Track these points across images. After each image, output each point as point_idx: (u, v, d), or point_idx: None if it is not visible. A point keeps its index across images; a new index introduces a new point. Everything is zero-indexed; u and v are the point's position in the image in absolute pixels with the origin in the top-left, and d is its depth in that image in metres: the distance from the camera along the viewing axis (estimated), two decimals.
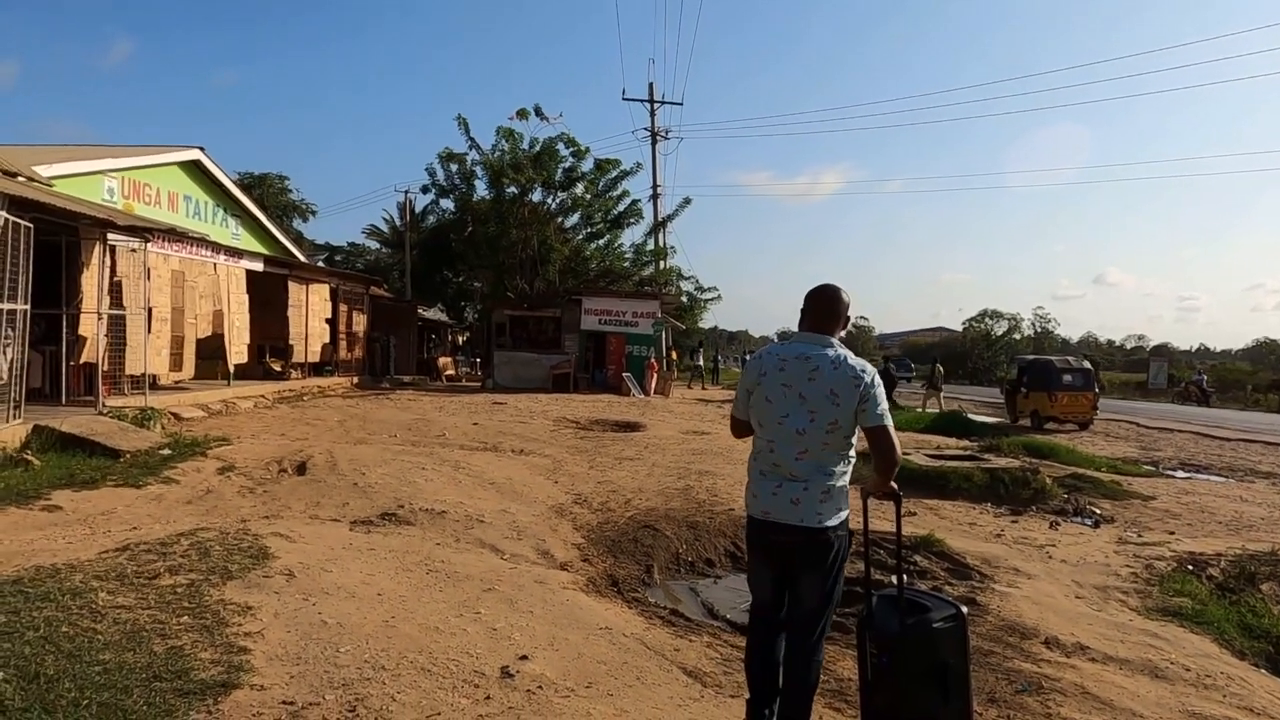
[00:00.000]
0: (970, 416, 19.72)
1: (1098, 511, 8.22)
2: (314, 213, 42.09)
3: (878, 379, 2.87)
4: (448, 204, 26.76)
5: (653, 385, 21.60)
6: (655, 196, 29.52)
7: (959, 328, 74.48)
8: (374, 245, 45.84)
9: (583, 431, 13.54)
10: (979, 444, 11.82)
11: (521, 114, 24.14)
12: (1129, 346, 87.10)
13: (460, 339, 38.90)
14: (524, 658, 3.75)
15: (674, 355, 31.18)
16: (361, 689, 3.28)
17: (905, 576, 5.77)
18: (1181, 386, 35.24)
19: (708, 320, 36.09)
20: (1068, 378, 18.57)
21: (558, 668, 3.69)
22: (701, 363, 29.03)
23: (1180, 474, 12.24)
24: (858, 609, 3.43)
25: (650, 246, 27.02)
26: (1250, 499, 9.56)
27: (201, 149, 16.54)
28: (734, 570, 6.13)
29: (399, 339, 24.94)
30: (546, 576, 5.33)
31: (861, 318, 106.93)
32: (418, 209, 34.56)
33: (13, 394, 7.94)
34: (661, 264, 26.91)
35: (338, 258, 42.15)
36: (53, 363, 10.66)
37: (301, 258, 21.65)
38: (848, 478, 2.90)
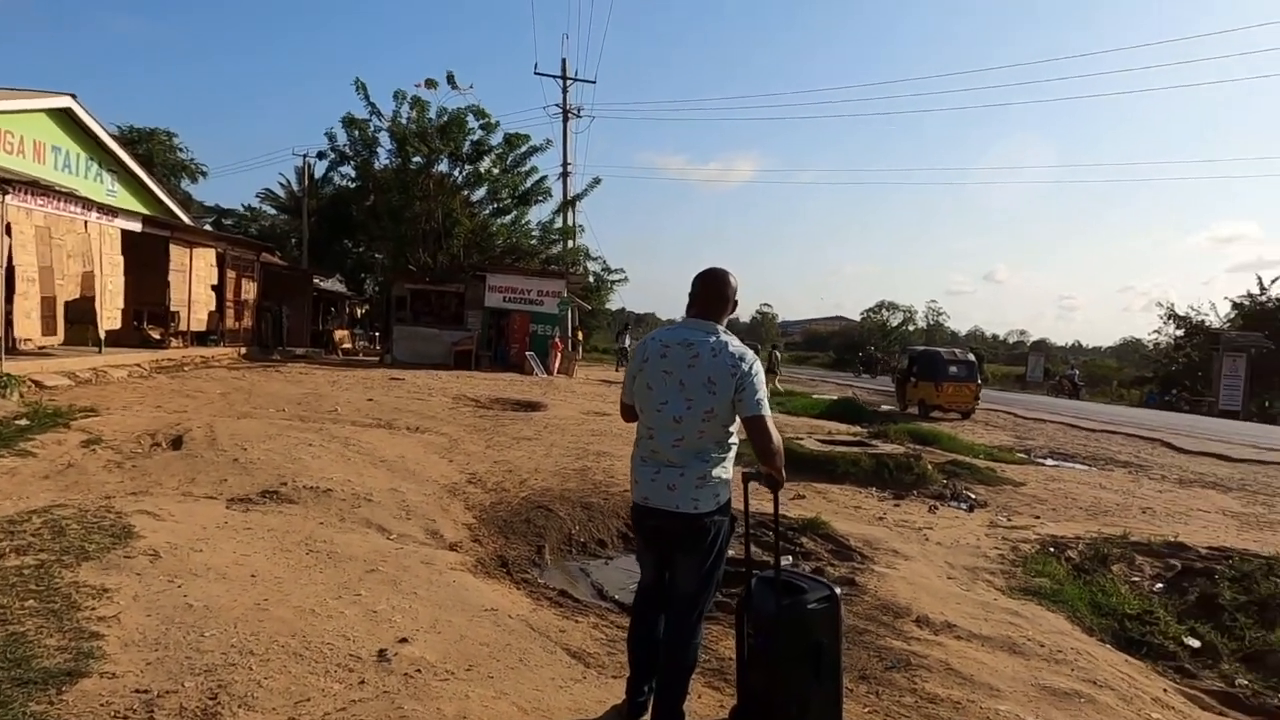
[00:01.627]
0: (863, 404, 20.52)
1: (973, 496, 8.67)
2: (204, 174, 39.71)
3: (757, 367, 2.88)
4: (348, 171, 25.74)
5: (556, 365, 21.47)
6: (565, 175, 29.27)
7: (858, 317, 77.24)
8: (270, 210, 43.73)
9: (482, 410, 13.33)
10: (868, 430, 12.28)
11: (430, 83, 23.37)
12: (1011, 341, 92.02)
13: (359, 312, 37.66)
14: (403, 640, 3.66)
15: (580, 336, 31.07)
16: (225, 675, 3.13)
17: (792, 558, 5.96)
18: (1056, 380, 37.55)
19: (615, 301, 36.13)
20: (953, 369, 19.47)
21: (438, 650, 3.62)
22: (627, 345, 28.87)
23: (1049, 462, 13.04)
24: (742, 590, 3.48)
25: (559, 225, 26.76)
26: (1108, 486, 10.28)
27: (73, 96, 15.28)
28: (626, 551, 6.16)
29: (293, 309, 23.92)
30: (434, 557, 5.22)
31: (765, 305, 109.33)
32: (317, 175, 33.16)
33: None
34: (569, 243, 26.70)
35: (229, 222, 39.96)
36: None
37: (186, 219, 20.40)
38: (727, 464, 2.91)
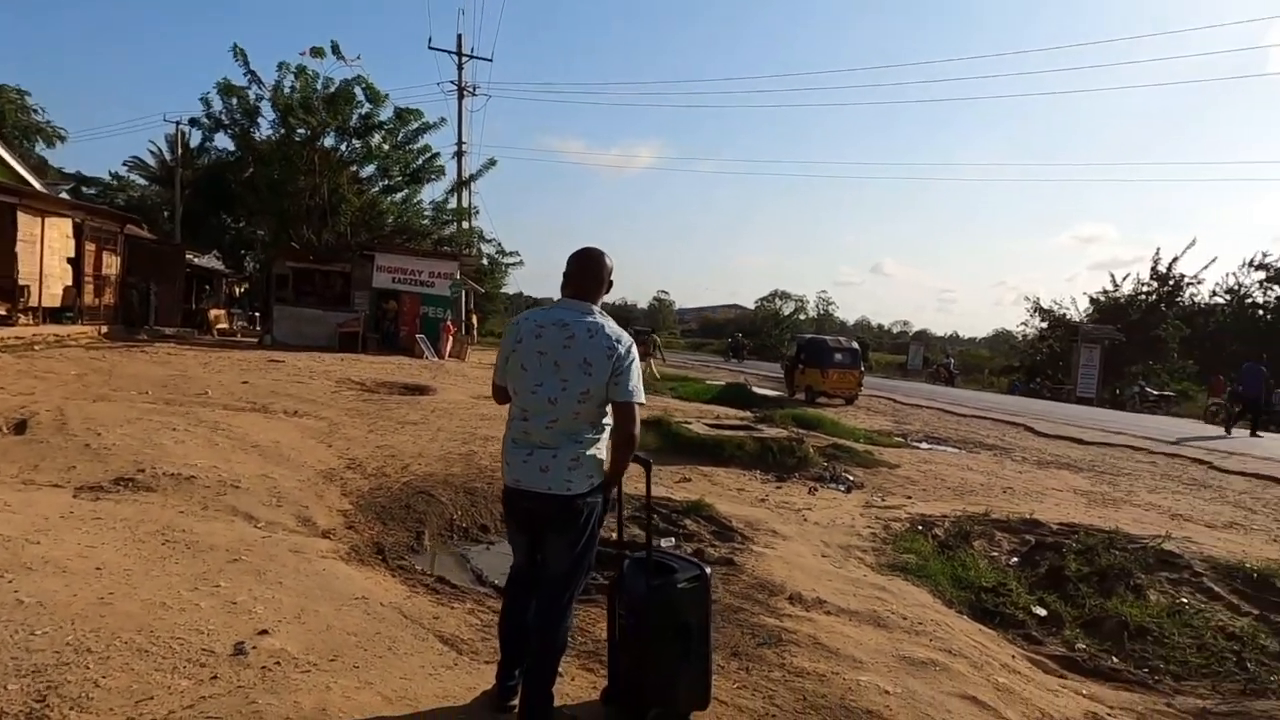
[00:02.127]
0: (754, 389, 21.02)
1: (851, 478, 9.02)
2: (62, 138, 36.52)
3: (634, 351, 2.88)
4: (225, 141, 24.31)
5: (448, 349, 21.01)
6: (460, 154, 28.60)
7: (752, 306, 79.24)
8: (140, 181, 40.85)
9: (367, 394, 12.90)
10: (755, 415, 12.58)
11: (316, 52, 22.28)
12: (895, 331, 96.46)
13: (238, 290, 35.75)
14: (263, 632, 3.49)
15: (475, 320, 30.50)
16: (57, 675, 2.90)
17: (674, 539, 6.03)
18: (934, 369, 39.58)
19: (512, 285, 35.62)
20: (839, 356, 20.20)
21: (301, 641, 3.47)
22: None
23: (924, 445, 13.72)
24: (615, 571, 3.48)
25: (452, 205, 26.13)
26: (974, 468, 10.90)
27: None
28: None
29: (162, 286, 22.40)
30: (304, 545, 5.01)
31: (662, 291, 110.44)
32: (193, 144, 31.12)
33: None
34: (463, 224, 26.11)
35: (92, 191, 37.02)
36: None
37: (38, 186, 18.77)
38: (601, 445, 2.89)
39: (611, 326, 2.88)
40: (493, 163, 28.18)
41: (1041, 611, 5.11)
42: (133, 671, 3.01)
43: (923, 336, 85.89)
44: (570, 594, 2.91)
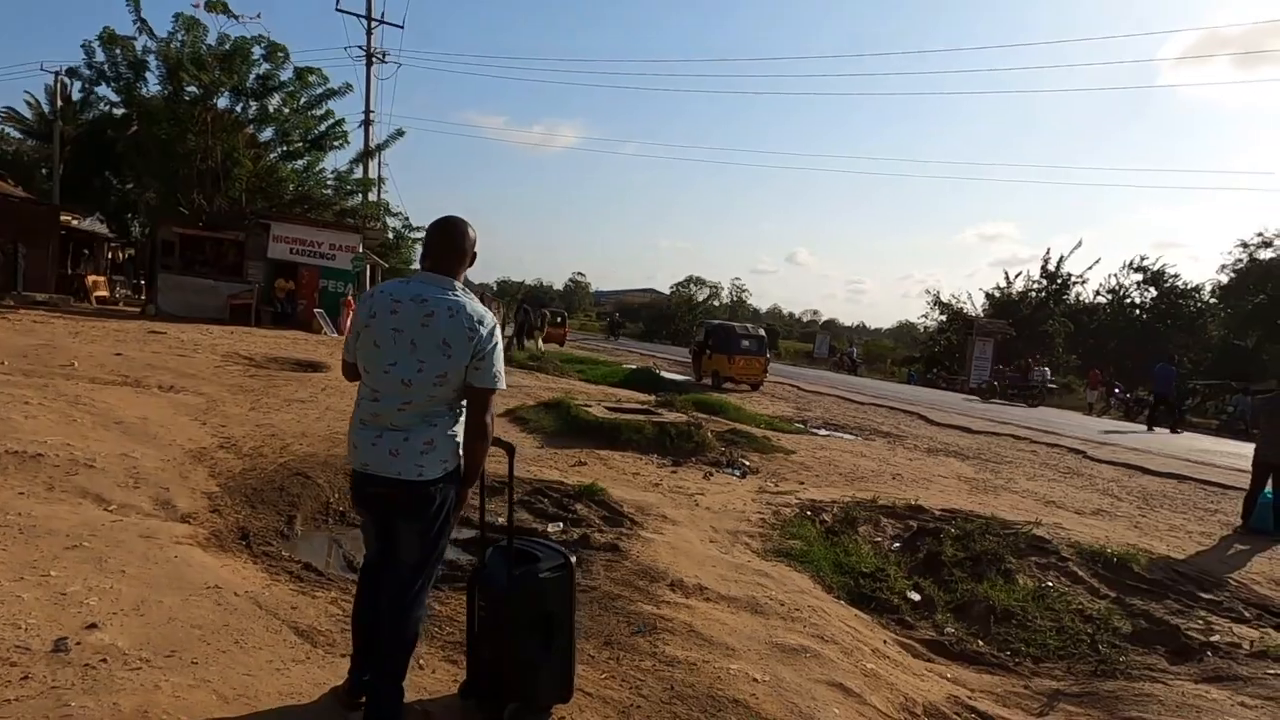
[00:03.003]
0: (662, 374, 21.11)
1: (747, 464, 9.10)
2: None
3: (497, 333, 2.72)
4: (109, 95, 22.66)
5: (348, 324, 20.24)
6: (367, 122, 27.48)
7: (668, 291, 79.88)
8: (14, 134, 37.73)
9: (255, 369, 12.27)
10: (657, 399, 12.59)
11: (212, 5, 20.97)
12: (805, 320, 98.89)
13: (121, 256, 33.56)
14: (91, 626, 3.21)
15: None
16: None
17: (563, 524, 5.92)
18: (838, 357, 40.72)
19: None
20: (745, 343, 20.46)
21: (135, 636, 3.20)
22: None
23: (822, 432, 14.03)
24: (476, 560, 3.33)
25: (357, 175, 25.13)
26: (868, 455, 11.19)
27: None
28: None
29: (33, 249, 20.73)
30: (158, 530, 4.67)
31: (579, 274, 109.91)
32: (75, 97, 28.86)
33: None
34: (369, 196, 25.16)
35: None
36: None
37: None
38: (456, 429, 2.72)
39: (474, 306, 2.70)
40: (400, 133, 27.22)
41: (916, 596, 5.24)
42: None
43: (831, 326, 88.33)
44: (420, 584, 2.74)
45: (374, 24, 27.67)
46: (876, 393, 23.53)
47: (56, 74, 30.19)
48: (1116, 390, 29.03)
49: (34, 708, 2.59)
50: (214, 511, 5.31)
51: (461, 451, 2.72)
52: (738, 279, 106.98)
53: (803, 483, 8.66)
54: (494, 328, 2.72)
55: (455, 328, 2.62)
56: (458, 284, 2.74)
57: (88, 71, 21.56)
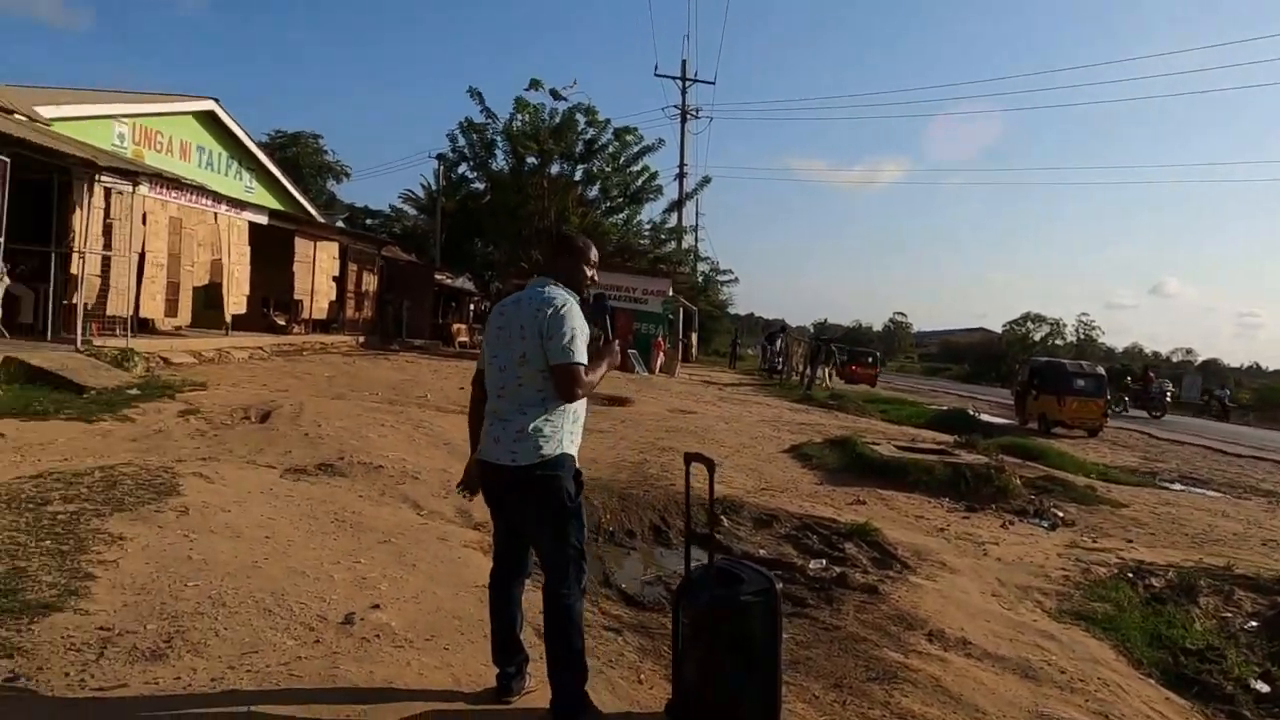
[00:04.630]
0: (978, 416, 19.37)
1: (1059, 514, 7.98)
2: (348, 174, 42.29)
3: (568, 310, 2.76)
4: (468, 172, 26.79)
5: (658, 364, 21.51)
6: (681, 175, 29.30)
7: (999, 329, 73.55)
8: (411, 211, 46.10)
9: None
10: (955, 440, 11.56)
11: (535, 84, 23.95)
12: (1175, 360, 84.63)
13: (482, 307, 39.09)
14: (376, 607, 3.73)
15: (693, 338, 30.97)
16: (188, 623, 3.27)
17: (825, 560, 5.68)
18: (1204, 401, 34.24)
19: (743, 306, 35.72)
20: (1079, 382, 18.09)
21: (407, 619, 3.66)
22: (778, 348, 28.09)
23: (1176, 486, 11.86)
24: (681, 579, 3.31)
25: (671, 225, 26.80)
26: (1232, 515, 9.21)
27: (216, 100, 16.69)
28: (655, 543, 6.06)
29: (414, 303, 25.09)
30: (452, 534, 5.31)
31: (899, 314, 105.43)
32: (453, 177, 34.59)
33: None
34: (680, 243, 26.67)
35: (374, 222, 42.39)
36: (44, 300, 10.86)
37: (317, 215, 21.82)
38: (553, 417, 2.77)
39: (551, 290, 2.84)
40: (707, 181, 28.55)
41: (1263, 688, 4.16)
42: (251, 627, 3.33)
43: (1213, 366, 74.52)
44: (564, 577, 2.80)
45: (688, 83, 29.55)
46: (1259, 443, 19.33)
47: (439, 158, 36.51)
48: None
49: (314, 666, 3.07)
50: None
51: (564, 441, 2.79)
52: (1085, 315, 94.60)
53: (1130, 540, 7.37)
54: (565, 305, 2.78)
55: (528, 310, 2.79)
56: (551, 280, 2.90)
57: (452, 155, 25.69)
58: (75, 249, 9.95)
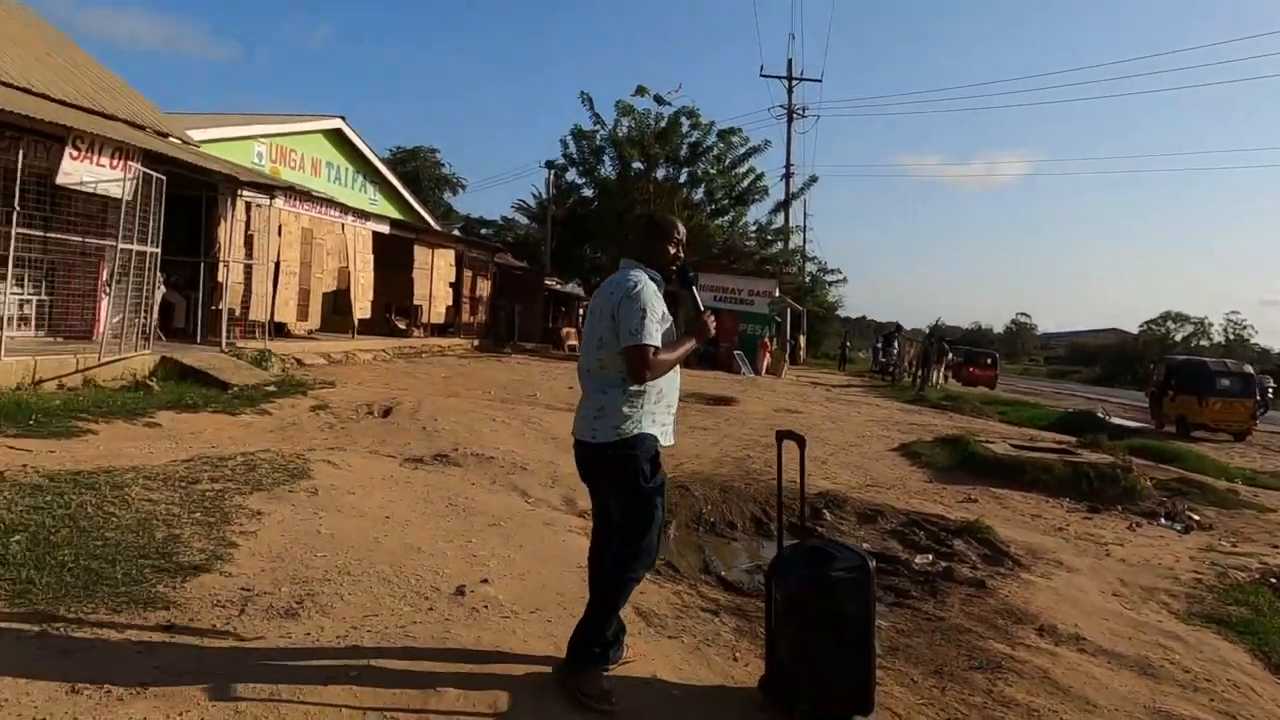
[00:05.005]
0: (1108, 418, 18.25)
1: (1195, 518, 7.46)
2: (464, 186, 44.02)
3: (639, 291, 2.77)
4: (577, 179, 27.43)
5: (764, 365, 21.35)
6: (788, 175, 29.03)
7: (1135, 330, 69.01)
8: (523, 220, 47.54)
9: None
10: (1078, 440, 10.95)
11: (641, 90, 24.28)
12: None
13: None
14: (485, 581, 3.93)
15: (801, 339, 30.54)
16: (317, 587, 3.56)
17: (932, 555, 5.55)
18: None
19: (853, 309, 35.00)
20: (1224, 382, 16.79)
21: (513, 593, 3.85)
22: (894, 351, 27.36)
23: None
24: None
25: (777, 225, 26.58)
26: None
27: (343, 118, 17.81)
28: (756, 535, 6.08)
29: (525, 307, 25.90)
30: (557, 520, 5.51)
31: (1022, 314, 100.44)
32: (563, 185, 35.48)
33: (140, 327, 8.98)
34: (787, 243, 26.42)
35: (487, 231, 43.96)
36: (195, 306, 11.90)
37: (435, 225, 22.85)
38: (632, 399, 2.82)
39: (629, 273, 2.89)
40: (814, 180, 28.29)
41: None
42: (372, 594, 3.59)
43: None
44: (619, 546, 2.91)
45: (794, 82, 29.25)
46: None
47: (550, 167, 37.53)
48: None
49: (428, 630, 3.28)
50: None
51: (643, 422, 2.84)
52: (1234, 313, 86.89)
53: (1277, 546, 6.82)
54: (635, 286, 2.80)
55: (605, 294, 2.90)
56: (633, 263, 2.97)
57: (562, 162, 26.37)
58: (221, 259, 10.86)
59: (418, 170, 36.32)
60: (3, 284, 7.73)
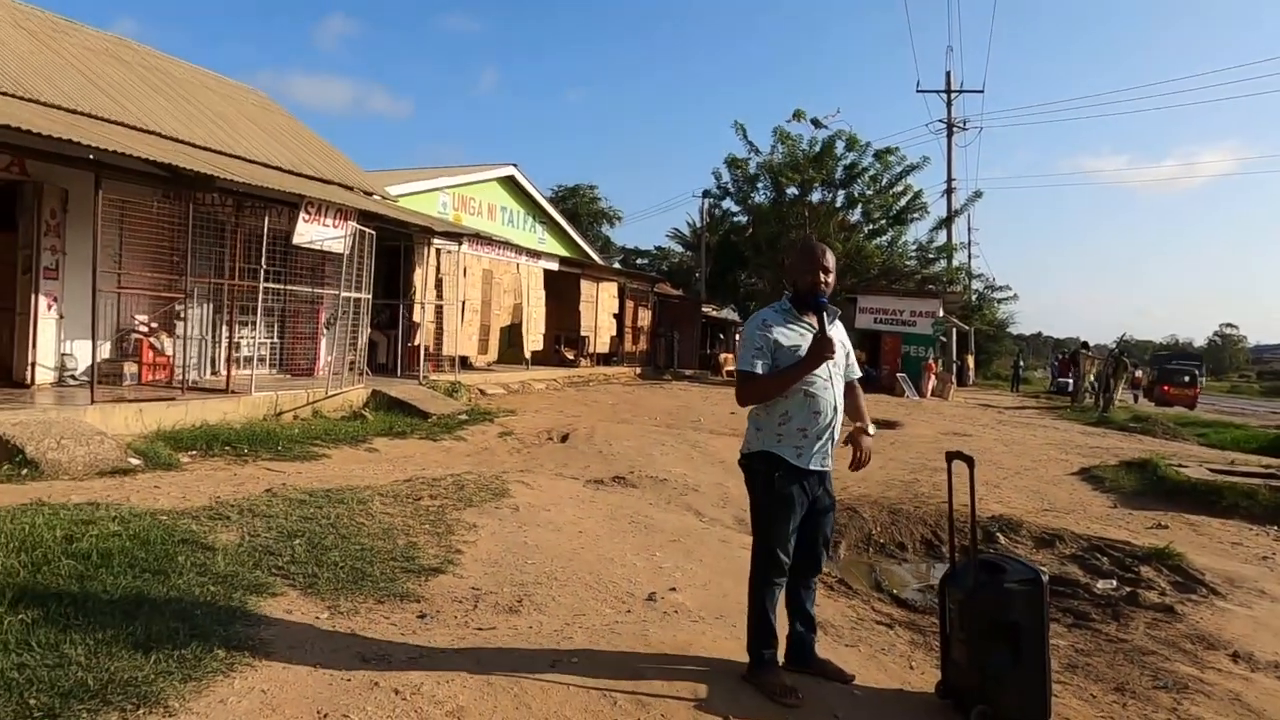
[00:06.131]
0: None
1: None
2: (619, 219, 45.64)
3: (750, 322, 3.21)
4: (731, 206, 27.87)
5: (929, 387, 20.75)
6: (949, 191, 28.17)
7: None
8: (677, 249, 48.61)
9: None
10: None
11: (798, 115, 24.38)
12: None
13: None
14: (672, 590, 4.36)
15: (969, 360, 29.34)
16: (533, 589, 4.12)
17: (1115, 580, 5.46)
18: None
19: (1026, 326, 33.25)
20: None
21: (698, 600, 4.25)
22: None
23: None
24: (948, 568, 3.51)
25: (938, 243, 25.81)
26: None
27: (515, 165, 19.23)
28: (926, 556, 6.16)
29: (683, 335, 26.56)
30: (731, 538, 5.87)
31: (1228, 325, 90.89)
32: (716, 214, 36.16)
33: (358, 364, 10.22)
34: (949, 261, 25.57)
35: (642, 261, 45.38)
36: (394, 344, 13.29)
37: (597, 259, 24.00)
38: (761, 418, 3.19)
39: (768, 307, 3.26)
40: (979, 195, 27.18)
41: None
42: (578, 597, 4.10)
43: None
44: (753, 552, 3.32)
45: (953, 95, 28.43)
46: None
47: (704, 196, 38.30)
48: None
49: (629, 629, 3.74)
50: None
51: (767, 441, 3.16)
52: None
53: None
54: (750, 320, 3.21)
55: None
56: (786, 293, 3.29)
57: (716, 191, 26.93)
58: (416, 300, 12.12)
59: (577, 206, 38.14)
60: (254, 331, 9.09)
